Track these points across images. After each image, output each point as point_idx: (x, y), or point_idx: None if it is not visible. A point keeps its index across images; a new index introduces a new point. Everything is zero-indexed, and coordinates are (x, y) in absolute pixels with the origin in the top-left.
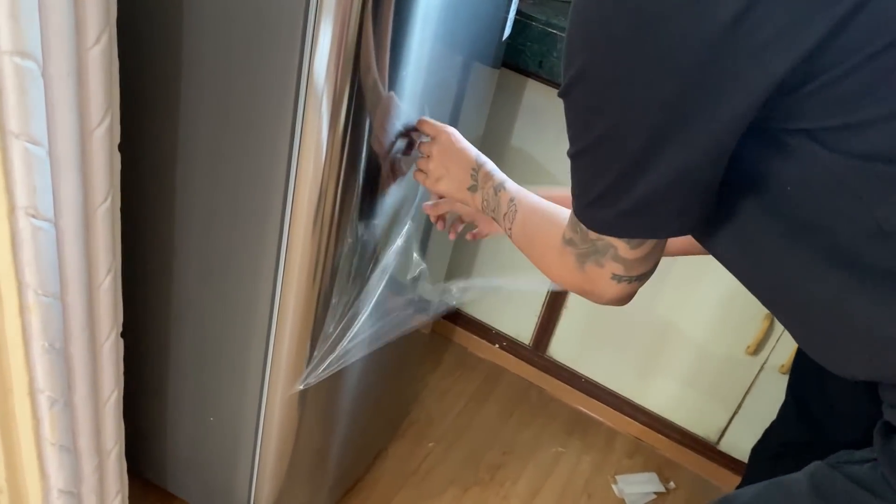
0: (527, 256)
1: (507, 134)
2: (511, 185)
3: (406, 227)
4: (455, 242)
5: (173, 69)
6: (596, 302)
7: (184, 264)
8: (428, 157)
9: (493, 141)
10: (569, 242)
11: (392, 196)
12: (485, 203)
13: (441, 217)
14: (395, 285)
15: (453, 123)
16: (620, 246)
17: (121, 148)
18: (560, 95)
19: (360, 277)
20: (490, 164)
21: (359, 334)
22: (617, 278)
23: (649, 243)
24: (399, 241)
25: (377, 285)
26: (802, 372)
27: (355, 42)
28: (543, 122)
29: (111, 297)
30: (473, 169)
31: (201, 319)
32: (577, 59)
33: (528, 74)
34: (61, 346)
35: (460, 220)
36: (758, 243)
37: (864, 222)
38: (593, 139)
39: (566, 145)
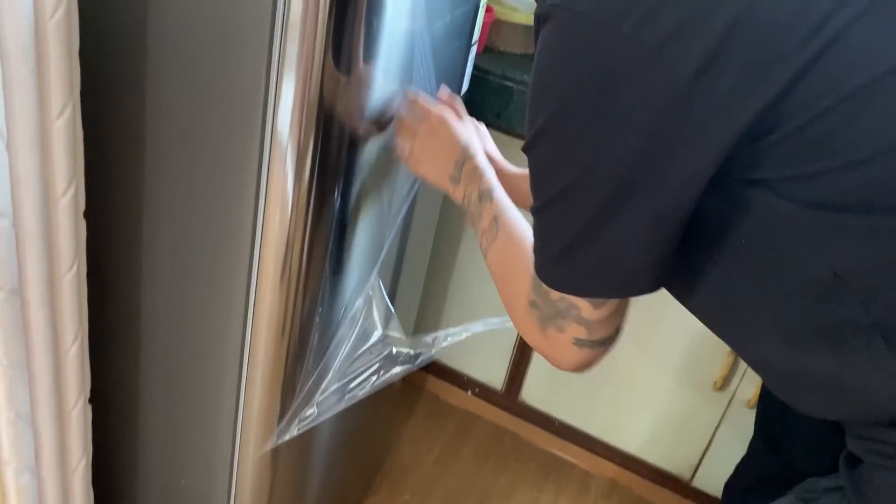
0: (496, 287)
1: None
2: (498, 196)
3: (374, 276)
4: (424, 291)
5: (136, 132)
6: (556, 367)
7: (151, 325)
8: (413, 135)
9: None
10: (532, 305)
11: (361, 247)
12: (465, 203)
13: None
14: (367, 337)
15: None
16: (583, 306)
17: (86, 214)
18: (524, 150)
19: (331, 331)
20: (479, 159)
21: (330, 389)
22: (579, 343)
23: (612, 302)
24: (368, 292)
25: (347, 338)
26: (768, 405)
27: (317, 98)
28: None
29: (78, 363)
30: (459, 158)
31: (170, 380)
32: (539, 114)
33: (488, 125)
34: (28, 416)
35: None
36: (717, 291)
37: (820, 270)
38: (556, 193)
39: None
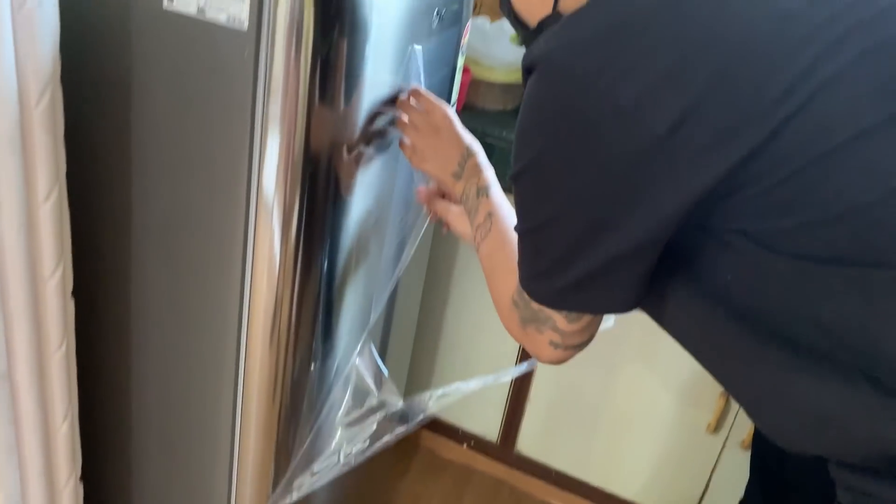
0: (486, 278)
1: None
2: (494, 193)
3: (365, 336)
4: (414, 349)
5: (123, 197)
6: (537, 359)
7: (142, 395)
8: (417, 130)
9: (441, 244)
10: (515, 304)
11: (351, 308)
12: (464, 198)
13: (432, 208)
14: (361, 400)
15: (403, 226)
16: (558, 319)
17: (74, 294)
18: (510, 179)
19: (323, 394)
20: (480, 157)
21: (326, 454)
22: (554, 345)
23: (586, 317)
24: (358, 355)
25: (340, 401)
26: (762, 447)
27: (302, 156)
28: None
29: (69, 442)
30: (462, 156)
31: (162, 452)
32: (525, 151)
33: None
34: (18, 499)
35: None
36: (702, 323)
37: (800, 312)
38: (538, 222)
39: None
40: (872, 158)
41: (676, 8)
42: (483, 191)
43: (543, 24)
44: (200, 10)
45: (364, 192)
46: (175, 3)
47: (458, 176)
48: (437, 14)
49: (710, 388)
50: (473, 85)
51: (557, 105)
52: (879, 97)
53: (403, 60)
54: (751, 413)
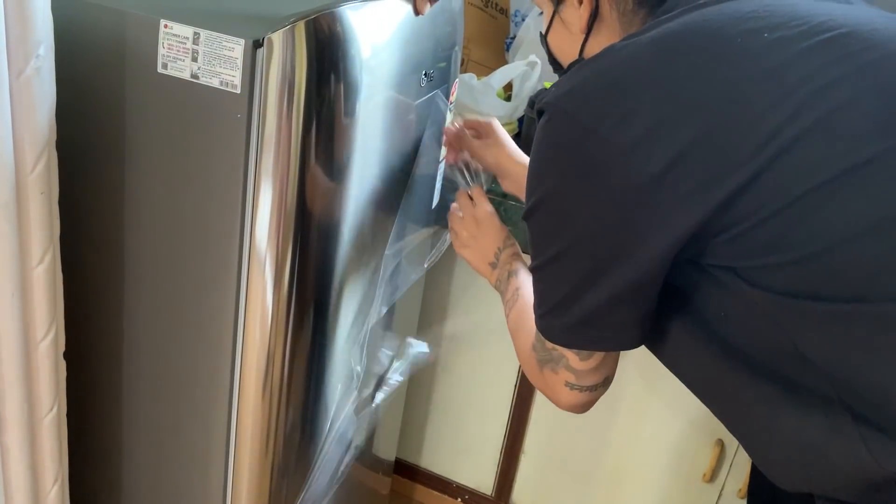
0: (512, 339)
1: (446, 286)
2: (522, 273)
3: (356, 384)
4: (406, 399)
5: (116, 260)
6: (558, 406)
7: (133, 459)
8: (462, 223)
9: (435, 290)
10: (533, 348)
11: (342, 360)
12: (498, 283)
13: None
14: (352, 447)
15: (393, 280)
16: (571, 356)
17: (66, 355)
18: (523, 218)
19: (316, 447)
20: (515, 248)
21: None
22: (570, 386)
23: (598, 356)
24: (353, 404)
25: (336, 454)
26: (758, 495)
27: (295, 208)
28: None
29: None
30: (499, 248)
31: None
32: (535, 190)
33: None
34: None
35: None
36: (698, 359)
37: (787, 347)
38: (549, 258)
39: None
40: (848, 199)
41: (672, 69)
42: (513, 273)
43: (571, 67)
44: (194, 75)
45: (356, 246)
46: (169, 68)
47: (493, 266)
48: (425, 74)
49: (705, 438)
50: None
51: (563, 146)
52: (856, 143)
53: (427, 105)
54: (746, 447)
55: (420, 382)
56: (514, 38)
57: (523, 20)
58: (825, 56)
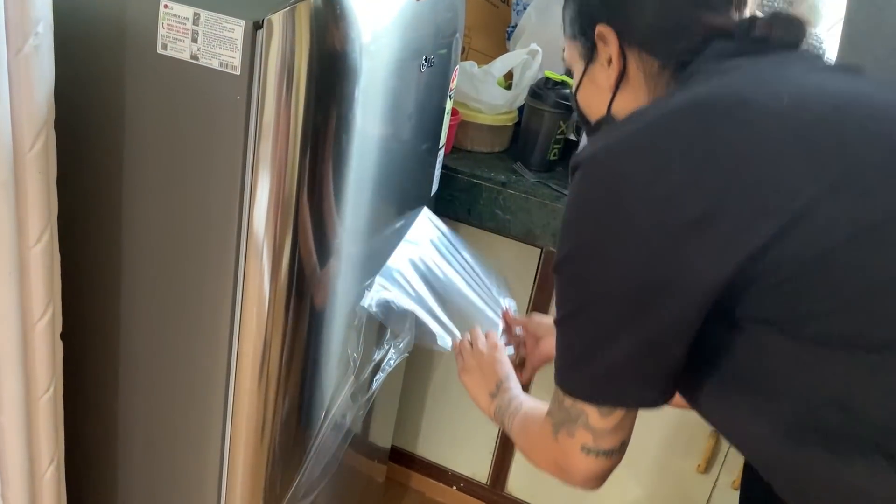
0: (519, 446)
1: None
2: (524, 398)
3: (352, 376)
4: (403, 387)
5: (114, 243)
6: (570, 482)
7: (129, 441)
8: (469, 354)
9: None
10: (549, 413)
11: (339, 346)
12: (497, 409)
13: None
14: (348, 435)
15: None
16: (591, 413)
17: (63, 336)
18: (553, 271)
19: (312, 436)
20: (512, 383)
21: (314, 491)
22: (586, 450)
23: (618, 413)
24: (350, 390)
25: (331, 441)
26: (750, 491)
27: (294, 193)
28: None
29: (55, 487)
30: (501, 381)
31: (150, 497)
32: (567, 241)
33: (460, 221)
34: None
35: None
36: (731, 411)
37: (822, 394)
38: (575, 308)
39: None
40: (877, 250)
41: (702, 130)
42: (514, 398)
43: (600, 122)
44: (194, 56)
45: (354, 232)
46: (168, 48)
47: (493, 395)
48: (426, 59)
49: (700, 430)
50: (462, 127)
51: (596, 199)
52: (879, 201)
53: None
54: (781, 490)
55: (416, 370)
56: (515, 26)
57: (525, 9)
58: (841, 121)
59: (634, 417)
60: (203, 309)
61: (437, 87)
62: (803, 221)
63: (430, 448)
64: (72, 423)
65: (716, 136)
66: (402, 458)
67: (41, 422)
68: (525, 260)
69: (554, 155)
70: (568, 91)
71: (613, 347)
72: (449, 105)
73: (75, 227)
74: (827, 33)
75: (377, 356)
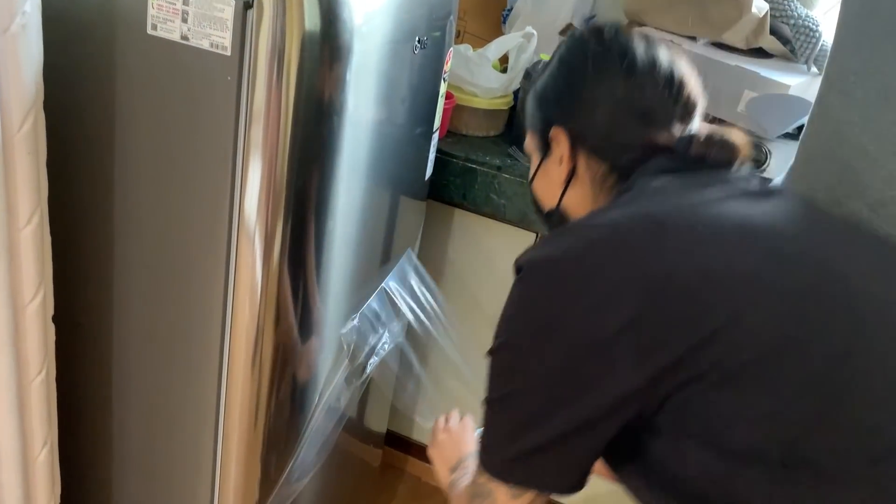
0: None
1: (441, 259)
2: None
3: (346, 360)
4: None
5: (105, 226)
6: None
7: (123, 423)
8: (440, 431)
9: (428, 264)
10: (470, 483)
11: (332, 331)
12: (451, 483)
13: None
14: (342, 419)
15: (385, 252)
16: (501, 492)
17: (54, 319)
18: (487, 354)
19: (305, 416)
20: (470, 461)
21: (307, 474)
22: None
23: (527, 496)
24: (344, 374)
25: (326, 425)
26: None
27: (286, 175)
28: (473, 246)
29: (48, 470)
30: (461, 459)
31: (143, 475)
32: (503, 332)
33: (455, 205)
34: None
35: None
36: (648, 499)
37: (737, 500)
38: (502, 394)
39: (496, 265)
40: (784, 369)
41: (630, 249)
42: (467, 474)
43: (549, 214)
44: (184, 37)
45: (347, 216)
46: (159, 29)
47: (452, 470)
48: (419, 41)
49: None
50: (457, 111)
51: (530, 300)
52: (785, 323)
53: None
54: None
55: (411, 354)
56: (510, 10)
57: None
58: (756, 249)
59: (545, 501)
60: (196, 293)
61: (431, 69)
62: (717, 338)
63: (427, 432)
64: (65, 406)
65: (640, 256)
66: (397, 442)
67: (34, 405)
68: (520, 245)
69: None
70: None
71: (531, 435)
72: (443, 88)
73: (66, 209)
74: (823, 17)
75: (372, 340)
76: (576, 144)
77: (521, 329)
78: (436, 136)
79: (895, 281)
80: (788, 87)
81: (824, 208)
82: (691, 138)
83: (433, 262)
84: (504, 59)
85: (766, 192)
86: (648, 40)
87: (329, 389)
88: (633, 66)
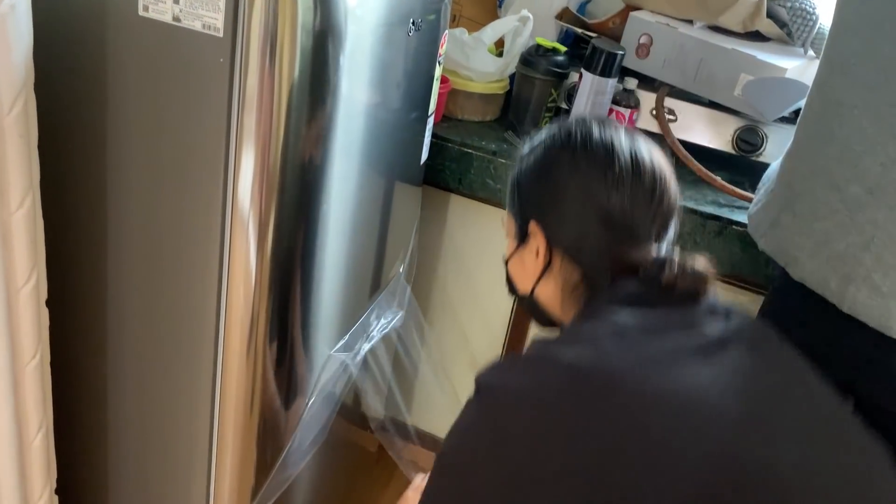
0: None
1: (438, 244)
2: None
3: (344, 342)
4: (395, 356)
5: (98, 211)
6: None
7: (118, 409)
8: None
9: (425, 250)
10: None
11: (328, 317)
12: None
13: None
14: (338, 405)
15: (382, 238)
16: None
17: (48, 303)
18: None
19: (301, 402)
20: None
21: (304, 459)
22: None
23: None
24: (339, 360)
25: (322, 411)
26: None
27: (280, 159)
28: (469, 231)
29: (43, 453)
30: None
31: (140, 460)
32: (448, 443)
33: (451, 191)
34: None
35: None
36: None
37: None
38: (431, 497)
39: (492, 250)
40: None
41: (580, 404)
42: None
43: (522, 298)
44: (176, 18)
45: (341, 202)
46: (150, 10)
47: None
48: (413, 24)
49: None
50: (452, 95)
51: (480, 425)
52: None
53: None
54: None
55: (409, 340)
56: None
57: None
58: (689, 429)
59: None
60: (190, 278)
61: (426, 53)
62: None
63: (424, 417)
64: (60, 391)
65: (583, 408)
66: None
67: (28, 389)
68: None
69: (545, 123)
70: (561, 58)
71: None
72: (438, 72)
73: (58, 192)
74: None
75: (367, 325)
76: (552, 243)
77: (460, 447)
78: (431, 121)
79: (820, 455)
80: (785, 70)
81: (775, 353)
82: (663, 264)
83: (429, 248)
84: (500, 43)
85: (722, 341)
86: (633, 138)
87: (326, 375)
88: (615, 175)
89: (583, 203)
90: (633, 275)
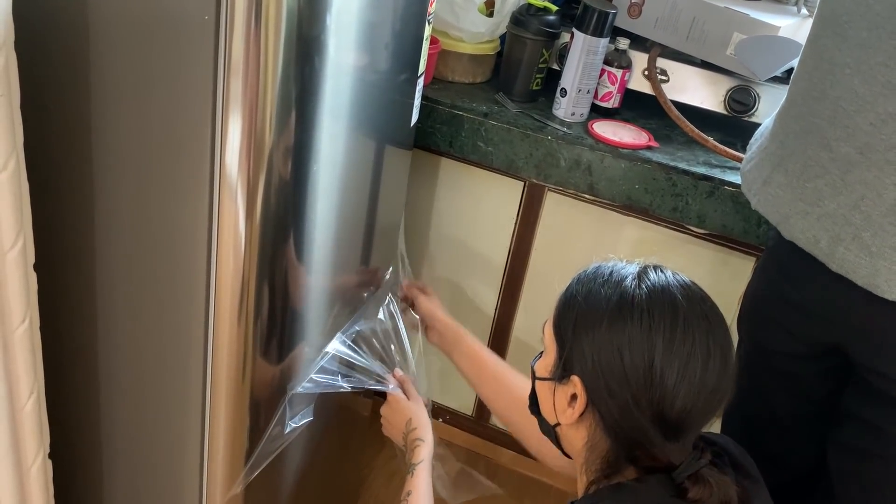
0: None
1: (428, 208)
2: (420, 472)
3: (337, 306)
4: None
5: (86, 177)
6: None
7: (110, 376)
8: (386, 402)
9: (415, 215)
10: None
11: (318, 282)
12: (405, 464)
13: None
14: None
15: (372, 203)
16: None
17: (36, 268)
18: None
19: (293, 367)
20: (420, 431)
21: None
22: None
23: None
24: (330, 322)
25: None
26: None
27: (265, 135)
28: (461, 195)
29: (35, 418)
30: (406, 427)
31: (133, 428)
32: None
33: (441, 154)
34: None
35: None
36: None
37: None
38: None
39: (482, 215)
40: None
41: None
42: (412, 468)
43: (545, 427)
44: None
45: (330, 165)
46: None
47: (404, 448)
48: None
49: None
50: (442, 56)
51: None
52: None
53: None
54: None
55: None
56: None
57: None
58: None
59: None
60: (180, 242)
61: (415, 13)
62: None
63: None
64: (51, 356)
65: None
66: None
67: (18, 354)
68: (508, 192)
69: (537, 85)
70: (552, 18)
71: None
72: (427, 31)
73: (44, 155)
74: None
75: (358, 293)
76: (592, 403)
77: None
78: (421, 82)
79: None
80: (778, 28)
81: None
82: (696, 477)
83: (420, 212)
84: (491, 3)
85: None
86: (713, 339)
87: (318, 338)
88: (687, 387)
89: (633, 394)
90: (661, 471)
